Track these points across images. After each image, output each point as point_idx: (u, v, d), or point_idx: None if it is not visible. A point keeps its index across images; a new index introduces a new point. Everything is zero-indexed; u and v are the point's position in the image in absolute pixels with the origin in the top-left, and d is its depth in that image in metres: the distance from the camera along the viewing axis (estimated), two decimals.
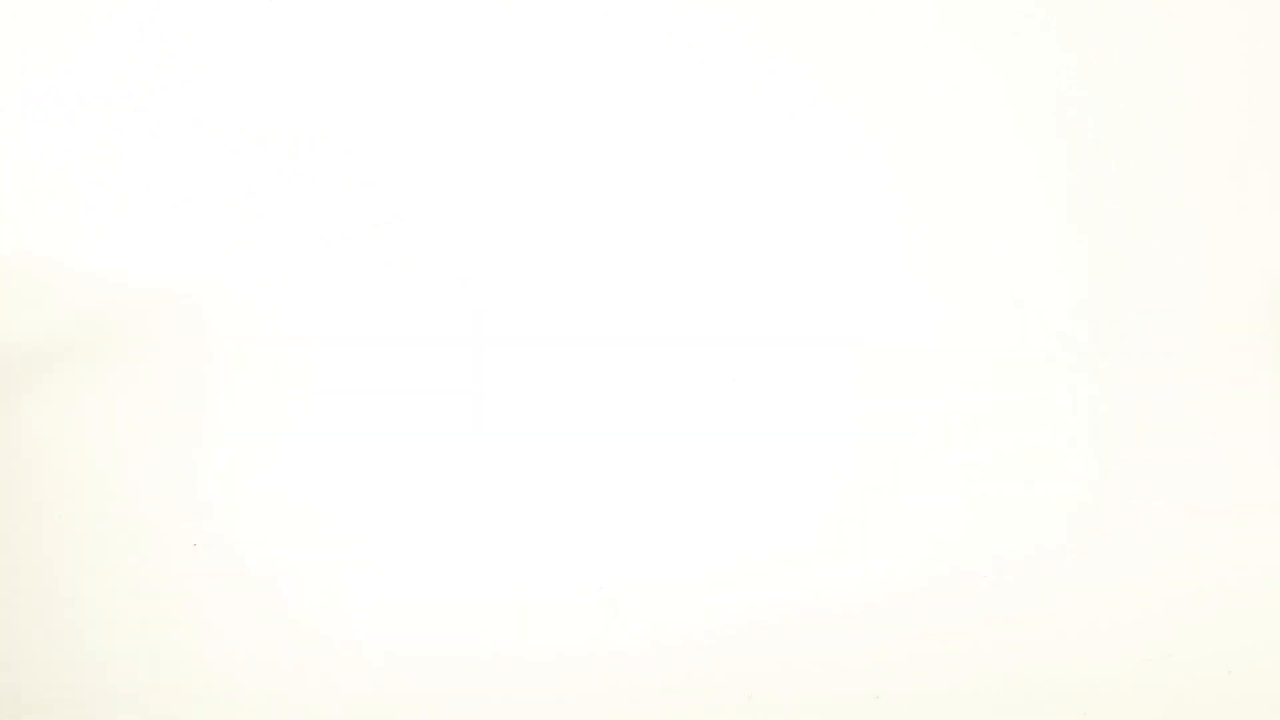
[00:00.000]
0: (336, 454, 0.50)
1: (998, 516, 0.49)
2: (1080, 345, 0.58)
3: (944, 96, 0.74)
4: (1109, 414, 0.54)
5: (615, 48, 0.75)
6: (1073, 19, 0.62)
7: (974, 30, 0.78)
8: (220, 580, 0.46)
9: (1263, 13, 0.65)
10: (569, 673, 0.42)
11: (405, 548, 0.46)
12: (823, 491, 0.50)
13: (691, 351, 0.54)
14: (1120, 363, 0.58)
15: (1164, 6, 0.62)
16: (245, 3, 0.76)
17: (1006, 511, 0.49)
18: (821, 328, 0.56)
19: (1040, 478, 0.51)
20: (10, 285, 0.51)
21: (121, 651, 0.44)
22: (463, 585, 0.45)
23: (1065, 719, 0.42)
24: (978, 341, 0.58)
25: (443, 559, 0.46)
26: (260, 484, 0.49)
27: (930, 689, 0.43)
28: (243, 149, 0.64)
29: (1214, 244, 0.61)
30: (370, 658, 0.42)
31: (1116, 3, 0.62)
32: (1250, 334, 0.59)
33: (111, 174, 0.59)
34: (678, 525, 0.48)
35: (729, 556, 0.47)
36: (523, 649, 0.43)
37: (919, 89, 0.72)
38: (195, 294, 0.56)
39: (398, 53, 0.74)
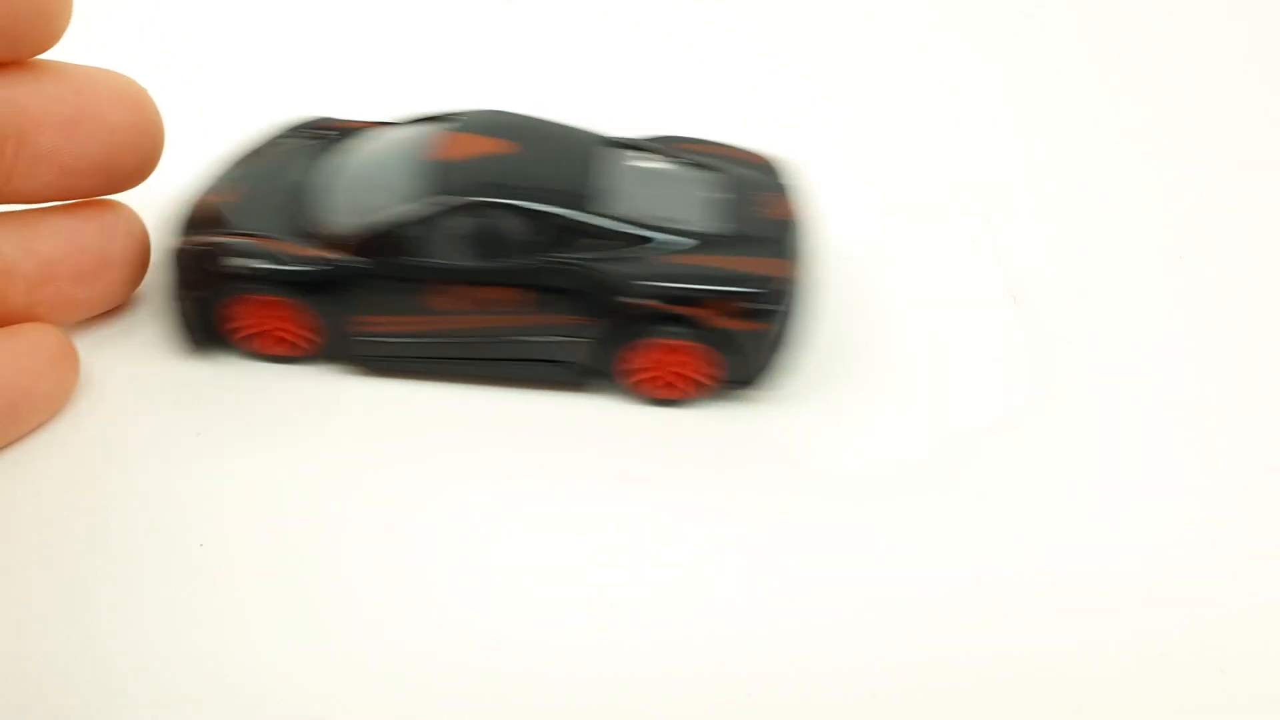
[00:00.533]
0: (337, 449, 0.50)
1: (997, 516, 0.49)
2: (1076, 340, 0.58)
3: (940, 98, 0.74)
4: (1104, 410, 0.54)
5: (615, 47, 0.75)
6: None
7: (977, 35, 0.78)
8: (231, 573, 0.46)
9: None
10: (568, 673, 0.42)
11: (405, 545, 0.46)
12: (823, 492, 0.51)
13: None
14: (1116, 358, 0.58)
15: None
16: (245, 2, 0.76)
17: (1005, 512, 0.50)
18: (820, 325, 0.56)
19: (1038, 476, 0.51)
20: None
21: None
22: (462, 585, 0.45)
23: (1061, 717, 0.42)
24: (977, 339, 0.59)
25: (443, 558, 0.46)
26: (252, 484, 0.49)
27: (929, 689, 0.43)
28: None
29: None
30: (371, 656, 0.43)
31: None
32: None
33: None
34: (677, 523, 0.48)
35: (729, 555, 0.47)
36: (521, 648, 0.43)
37: (919, 97, 0.73)
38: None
39: (398, 51, 0.74)
